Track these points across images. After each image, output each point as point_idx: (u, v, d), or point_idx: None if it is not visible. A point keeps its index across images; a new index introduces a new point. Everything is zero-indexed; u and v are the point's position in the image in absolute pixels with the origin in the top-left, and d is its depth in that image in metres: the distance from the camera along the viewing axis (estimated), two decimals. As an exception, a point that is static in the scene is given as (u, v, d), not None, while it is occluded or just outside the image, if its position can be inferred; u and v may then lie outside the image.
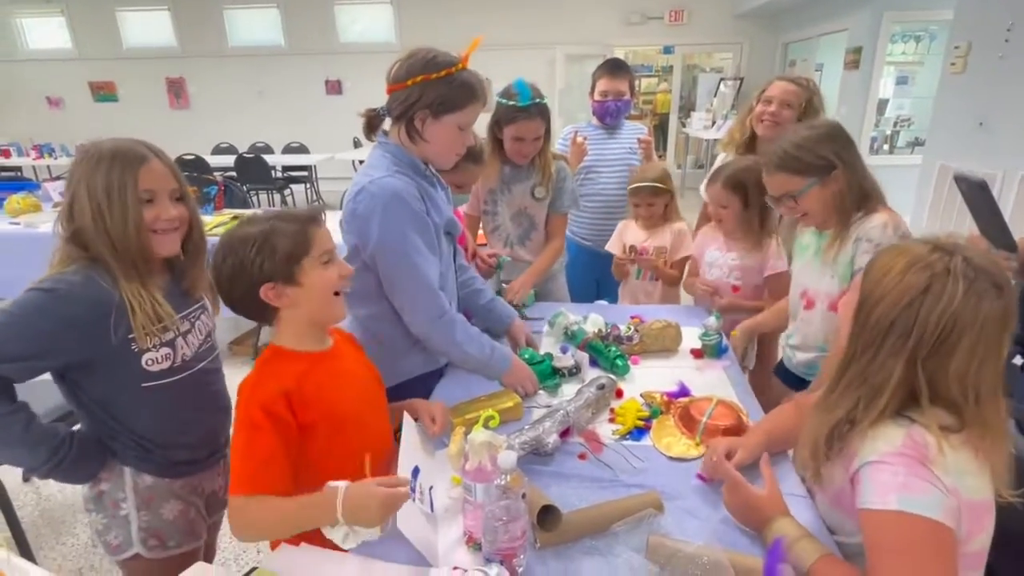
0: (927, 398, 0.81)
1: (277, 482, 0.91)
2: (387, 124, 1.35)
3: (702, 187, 2.03)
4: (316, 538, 0.93)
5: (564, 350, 1.55)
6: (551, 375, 1.48)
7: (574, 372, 1.52)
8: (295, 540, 0.98)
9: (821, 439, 0.90)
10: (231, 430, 1.02)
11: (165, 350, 1.08)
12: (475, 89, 1.28)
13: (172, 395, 1.11)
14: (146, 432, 1.11)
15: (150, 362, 1.06)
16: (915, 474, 0.78)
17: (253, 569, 0.94)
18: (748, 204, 1.79)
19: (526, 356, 1.51)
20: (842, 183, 1.37)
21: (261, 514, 0.91)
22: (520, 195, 2.03)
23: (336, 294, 1.03)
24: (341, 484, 0.87)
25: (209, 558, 1.35)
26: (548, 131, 1.92)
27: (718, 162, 2.25)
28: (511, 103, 1.83)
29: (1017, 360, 1.31)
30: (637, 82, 9.49)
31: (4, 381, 0.97)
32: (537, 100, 1.83)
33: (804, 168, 1.37)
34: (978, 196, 1.18)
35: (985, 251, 1.23)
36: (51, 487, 2.33)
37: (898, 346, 0.81)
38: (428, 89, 1.23)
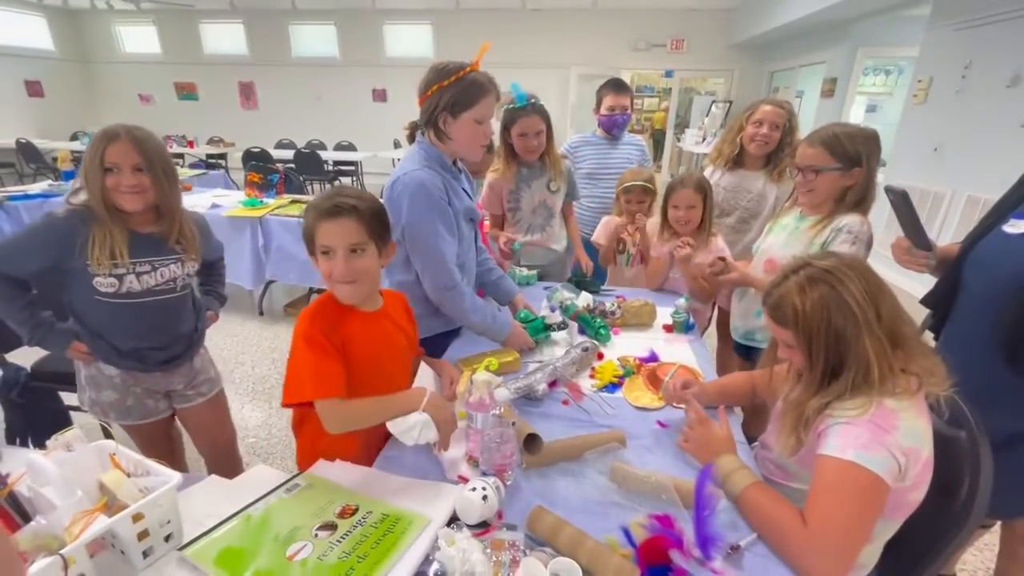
0: (896, 359, 0.88)
1: (343, 386, 0.97)
2: None
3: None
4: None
5: (552, 309, 1.65)
6: (544, 329, 1.54)
7: (562, 327, 1.58)
8: (331, 457, 1.05)
9: (811, 416, 0.91)
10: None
11: (111, 279, 1.25)
12: (484, 85, 1.29)
13: (121, 311, 1.29)
14: (98, 330, 1.31)
15: (99, 284, 1.24)
16: (876, 439, 0.82)
17: (299, 473, 1.03)
18: (706, 205, 1.87)
19: (521, 316, 1.56)
20: (856, 180, 1.40)
21: (353, 409, 0.97)
22: (539, 190, 2.06)
23: (351, 282, 1.01)
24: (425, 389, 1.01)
25: (200, 429, 1.59)
26: (550, 128, 1.96)
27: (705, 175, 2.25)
28: (511, 106, 1.88)
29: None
30: (640, 101, 9.30)
31: (8, 277, 1.24)
32: (532, 100, 1.87)
33: (839, 152, 1.39)
34: (902, 204, 1.20)
35: (907, 248, 1.28)
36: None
37: (855, 332, 0.87)
38: (444, 94, 1.27)
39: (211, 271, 1.63)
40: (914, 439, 0.83)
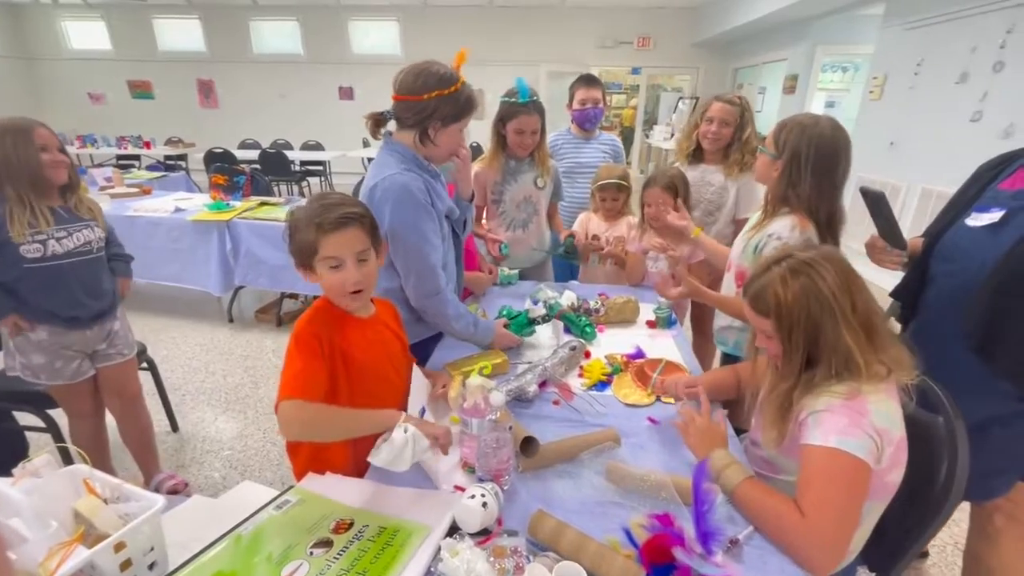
0: (869, 349, 0.90)
1: (318, 394, 0.95)
2: (390, 126, 1.36)
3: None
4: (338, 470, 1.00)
5: (535, 303, 1.63)
6: (528, 324, 1.53)
7: (547, 319, 1.57)
8: (320, 470, 1.02)
9: (794, 405, 0.93)
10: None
11: (36, 245, 1.46)
12: (475, 103, 1.32)
13: (52, 274, 1.51)
14: (33, 296, 1.51)
15: (26, 252, 1.45)
16: (854, 423, 0.85)
17: (289, 488, 1.00)
18: (680, 199, 1.87)
19: (505, 312, 1.54)
20: (779, 172, 1.35)
21: (318, 414, 0.92)
22: (525, 185, 2.02)
23: (357, 292, 1.00)
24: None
25: (112, 382, 1.78)
26: (543, 126, 1.93)
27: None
28: (512, 100, 1.83)
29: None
30: (609, 98, 9.41)
31: None
32: (535, 98, 1.85)
33: (774, 139, 1.37)
34: (879, 206, 1.24)
35: (882, 248, 1.31)
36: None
37: (832, 322, 0.89)
38: (442, 104, 1.25)
39: (111, 242, 1.79)
40: (886, 420, 0.87)
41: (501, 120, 1.91)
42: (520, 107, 1.83)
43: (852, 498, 0.84)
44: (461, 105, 1.27)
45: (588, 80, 2.37)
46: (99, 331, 1.67)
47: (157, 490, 1.88)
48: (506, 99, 1.86)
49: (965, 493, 1.14)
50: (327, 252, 0.97)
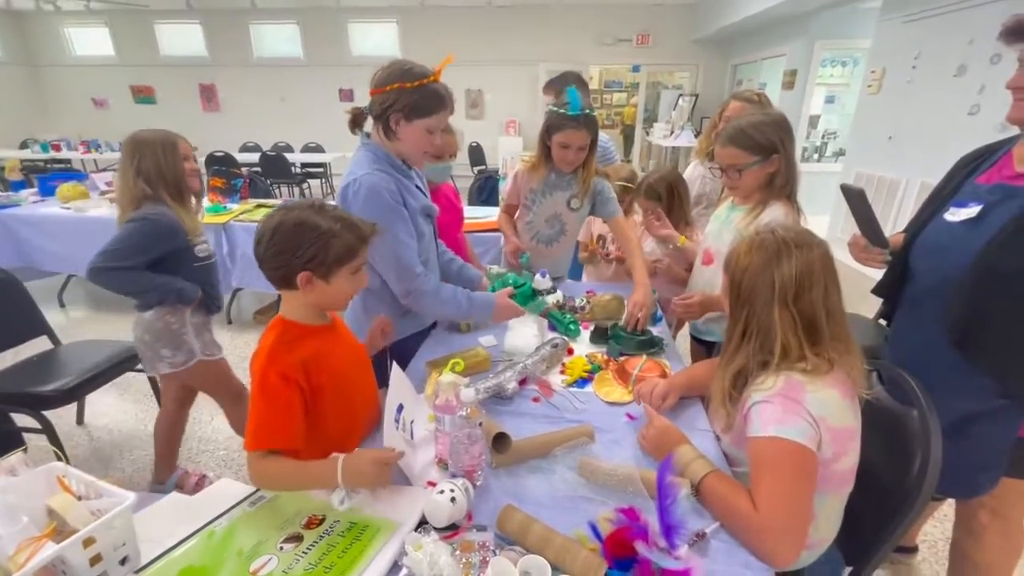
0: (805, 340, 0.91)
1: (287, 438, 0.95)
2: (369, 124, 1.36)
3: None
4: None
5: (543, 274, 1.55)
6: (532, 295, 1.47)
7: (551, 291, 1.52)
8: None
9: (727, 386, 0.98)
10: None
11: (204, 245, 1.72)
12: (443, 98, 1.28)
13: (204, 270, 1.73)
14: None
15: (199, 252, 1.70)
16: (789, 410, 0.86)
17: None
18: (663, 205, 1.89)
19: (511, 281, 1.51)
20: (778, 166, 1.41)
21: (276, 470, 0.94)
22: (557, 201, 1.88)
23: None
24: (340, 455, 0.92)
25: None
26: (594, 143, 1.78)
27: (690, 169, 2.25)
28: (561, 111, 1.70)
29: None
30: (609, 96, 9.33)
31: (132, 267, 1.56)
32: (586, 111, 1.70)
33: (753, 146, 1.39)
34: (858, 203, 1.23)
35: (864, 246, 1.31)
36: (100, 429, 2.38)
37: (767, 298, 0.92)
38: (403, 95, 1.24)
39: None
40: (822, 408, 0.87)
41: (547, 131, 1.77)
42: (568, 120, 1.69)
43: (800, 486, 0.85)
44: (423, 99, 1.25)
45: (563, 80, 2.35)
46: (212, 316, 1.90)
47: (180, 487, 1.93)
48: (554, 109, 1.73)
49: (950, 490, 1.14)
50: (362, 260, 1.03)
